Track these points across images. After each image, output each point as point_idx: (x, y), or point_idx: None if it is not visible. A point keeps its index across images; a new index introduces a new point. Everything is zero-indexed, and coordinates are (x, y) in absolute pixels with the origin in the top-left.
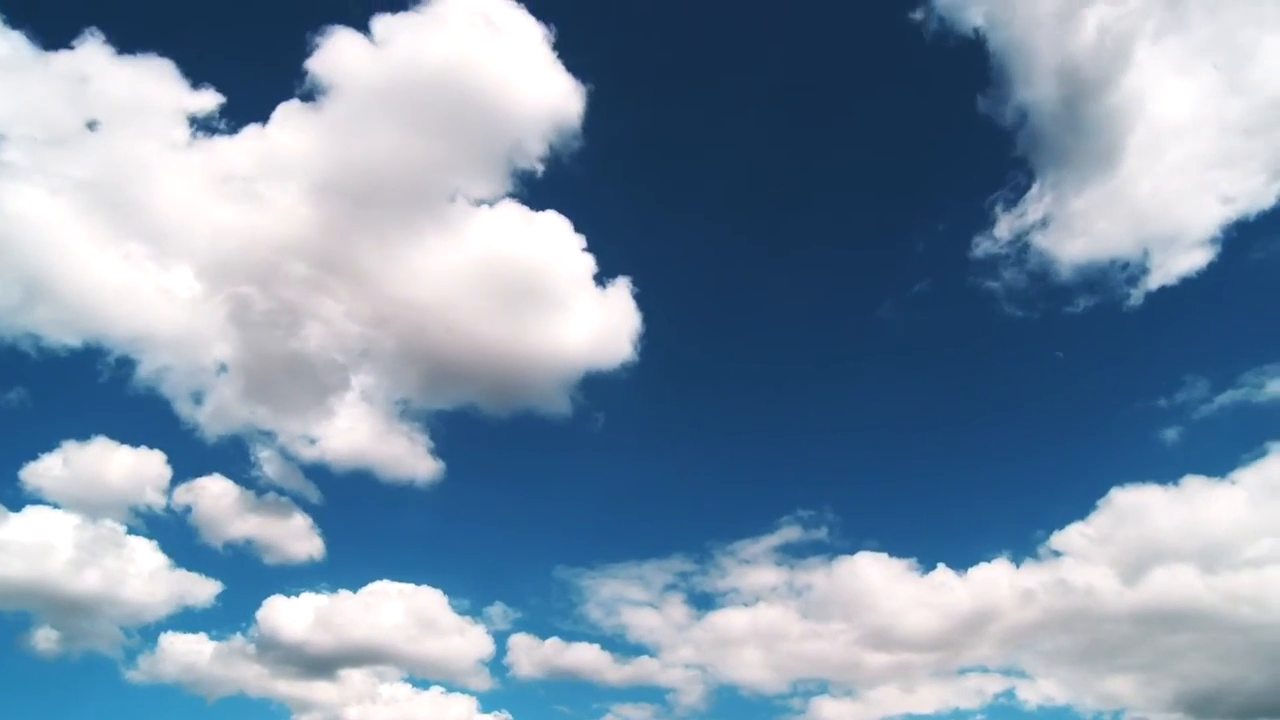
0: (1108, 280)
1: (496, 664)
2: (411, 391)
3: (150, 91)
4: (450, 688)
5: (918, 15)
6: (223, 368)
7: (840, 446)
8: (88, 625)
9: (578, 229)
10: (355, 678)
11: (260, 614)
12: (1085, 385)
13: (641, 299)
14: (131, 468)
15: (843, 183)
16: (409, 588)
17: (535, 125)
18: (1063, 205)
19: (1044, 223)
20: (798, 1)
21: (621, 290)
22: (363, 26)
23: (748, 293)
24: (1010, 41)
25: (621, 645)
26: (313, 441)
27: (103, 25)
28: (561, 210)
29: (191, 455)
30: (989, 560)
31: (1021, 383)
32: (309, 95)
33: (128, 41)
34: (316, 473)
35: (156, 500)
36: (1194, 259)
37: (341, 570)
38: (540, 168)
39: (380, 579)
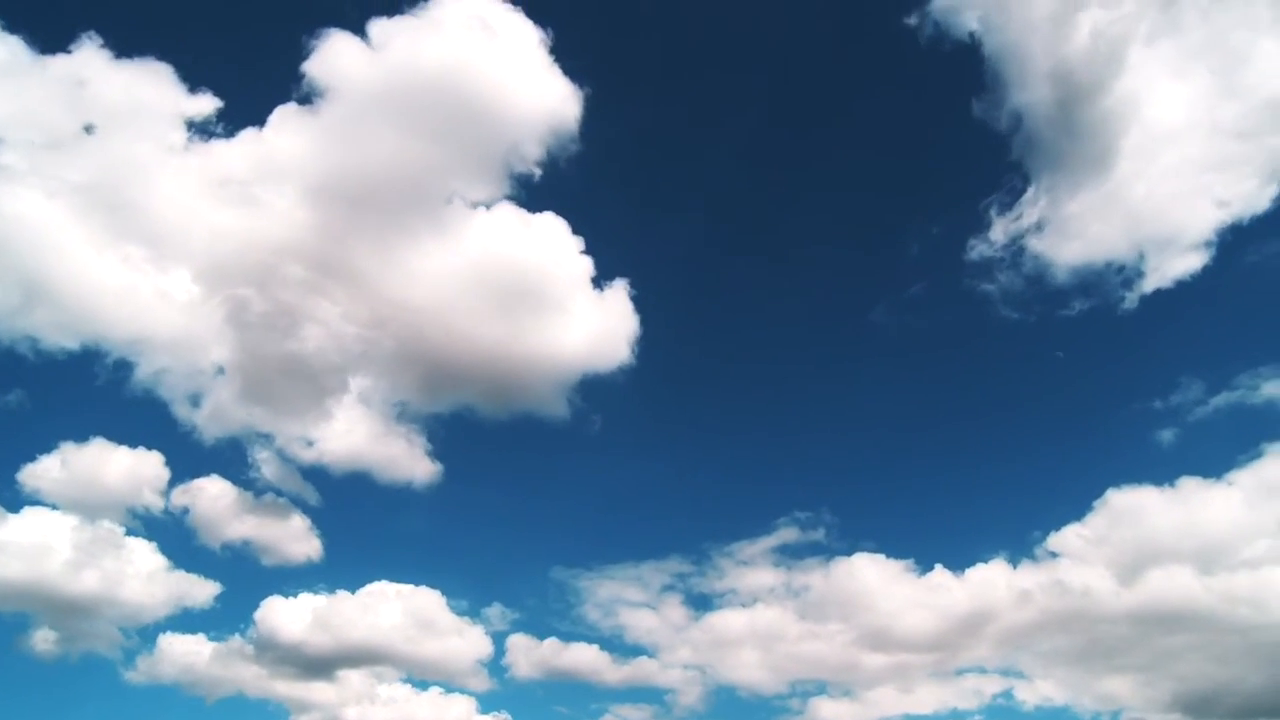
0: (1103, 283)
1: (495, 664)
2: (409, 393)
3: (147, 95)
4: (449, 688)
5: (913, 19)
6: (220, 370)
7: (837, 448)
8: (86, 626)
9: (575, 231)
10: (354, 678)
11: (259, 615)
12: (1081, 387)
13: (639, 301)
14: (130, 469)
15: (838, 186)
16: (407, 588)
17: (532, 128)
18: (1058, 208)
19: (1039, 226)
20: (793, 5)
21: (619, 292)
22: (359, 30)
23: (744, 295)
24: (1005, 45)
25: (620, 646)
26: (311, 443)
27: (100, 29)
28: (558, 213)
29: (190, 457)
30: (986, 561)
31: (1018, 385)
32: (306, 98)
33: (125, 45)
34: (314, 474)
35: (155, 501)
36: (1189, 262)
37: (340, 571)
38: (537, 170)
39: (378, 580)
